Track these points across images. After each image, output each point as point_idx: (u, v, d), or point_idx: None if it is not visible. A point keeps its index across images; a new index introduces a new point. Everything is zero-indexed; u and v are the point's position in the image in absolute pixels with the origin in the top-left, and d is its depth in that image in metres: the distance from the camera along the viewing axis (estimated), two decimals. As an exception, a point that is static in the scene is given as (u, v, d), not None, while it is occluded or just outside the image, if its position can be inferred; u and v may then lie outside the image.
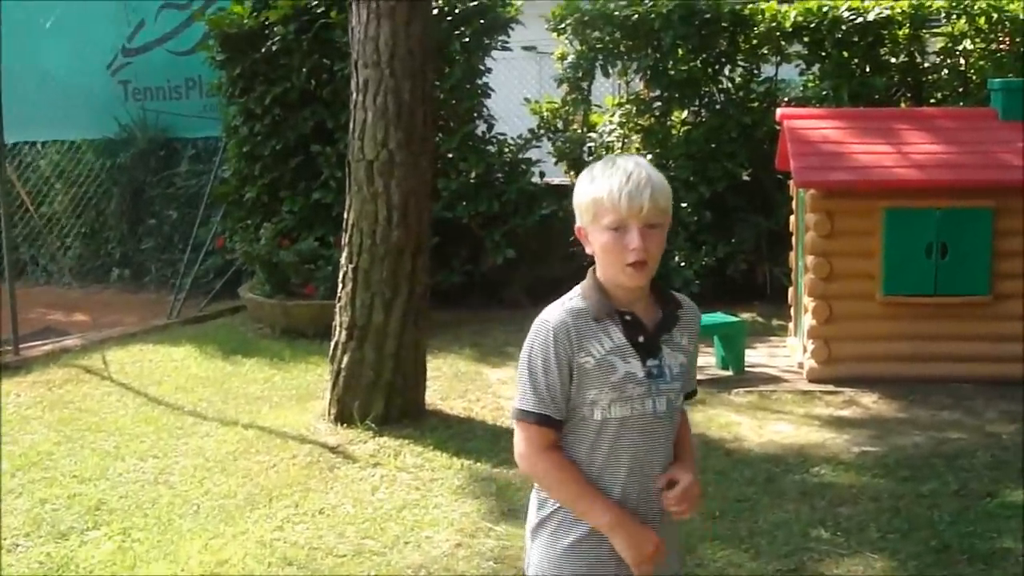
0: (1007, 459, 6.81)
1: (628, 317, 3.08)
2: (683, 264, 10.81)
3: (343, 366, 7.66)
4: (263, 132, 11.10)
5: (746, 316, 10.59)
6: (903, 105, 11.08)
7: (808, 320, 8.44)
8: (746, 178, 11.11)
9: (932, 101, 11.10)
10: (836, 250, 8.27)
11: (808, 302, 8.44)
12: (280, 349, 9.76)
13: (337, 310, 7.74)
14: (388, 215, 7.52)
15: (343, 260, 7.72)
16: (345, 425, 7.62)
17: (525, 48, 13.79)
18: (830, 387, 8.26)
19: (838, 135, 8.51)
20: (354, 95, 7.63)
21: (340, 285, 7.73)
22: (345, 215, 7.75)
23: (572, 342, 3.03)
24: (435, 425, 7.68)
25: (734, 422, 7.62)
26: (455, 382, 8.74)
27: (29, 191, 13.62)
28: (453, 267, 11.13)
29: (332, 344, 7.79)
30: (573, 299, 3.13)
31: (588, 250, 3.10)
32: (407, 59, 7.47)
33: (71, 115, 13.01)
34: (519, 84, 13.24)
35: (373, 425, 7.52)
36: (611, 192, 2.98)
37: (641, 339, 3.08)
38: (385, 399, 7.62)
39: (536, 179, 11.35)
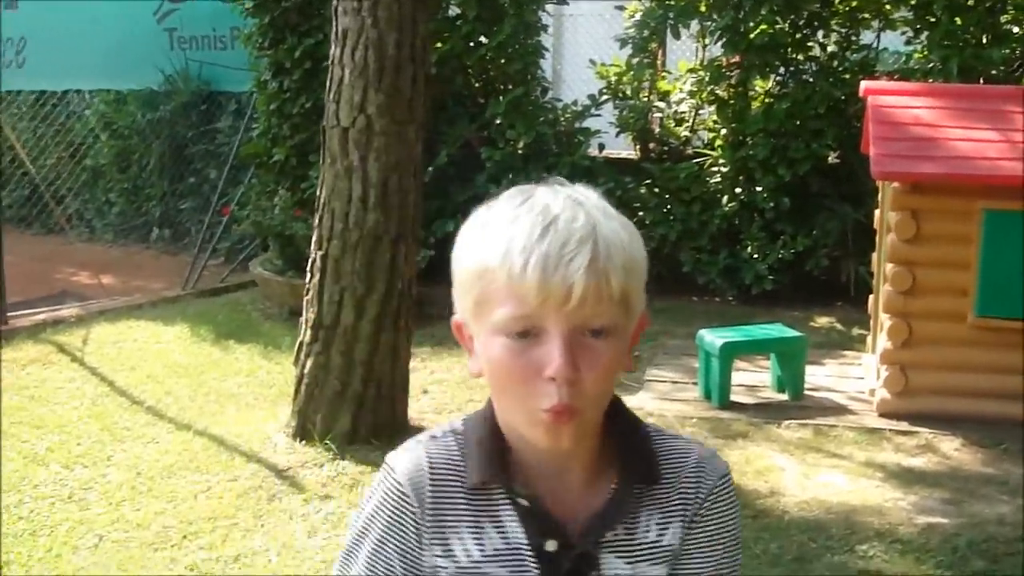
0: (1119, 549, 5.02)
1: (526, 503, 1.63)
2: (756, 257, 9.07)
3: (306, 371, 6.17)
4: (293, 88, 9.63)
5: (824, 321, 8.86)
6: (1025, 83, 9.14)
7: (883, 341, 6.67)
8: (833, 160, 9.28)
9: (1062, 80, 9.13)
10: (921, 258, 6.47)
11: (884, 319, 6.67)
12: (280, 335, 8.29)
13: (304, 304, 6.24)
14: (363, 194, 5.97)
15: (312, 246, 6.21)
16: (304, 442, 6.14)
17: (617, 7, 12.07)
18: (904, 425, 6.49)
19: (933, 116, 6.68)
20: (332, 47, 6.08)
21: (308, 275, 6.22)
22: (318, 192, 6.23)
23: (420, 525, 1.62)
24: (412, 448, 6.14)
25: (776, 467, 5.93)
26: (459, 391, 7.17)
27: (72, 142, 12.45)
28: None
29: (296, 345, 6.30)
30: (443, 440, 1.69)
31: (473, 368, 1.63)
32: (393, 6, 5.89)
33: (118, 63, 11.67)
34: (597, 46, 11.50)
35: (333, 446, 6.02)
36: (509, 256, 1.50)
37: (551, 546, 1.61)
38: (352, 414, 6.11)
39: (594, 151, 9.68)
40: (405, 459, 1.66)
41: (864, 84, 7.11)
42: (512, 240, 1.49)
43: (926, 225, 6.43)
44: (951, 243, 6.43)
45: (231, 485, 5.73)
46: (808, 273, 9.16)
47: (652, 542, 1.66)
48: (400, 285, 6.11)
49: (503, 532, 1.62)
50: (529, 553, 1.61)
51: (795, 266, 9.13)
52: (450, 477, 1.63)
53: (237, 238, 10.64)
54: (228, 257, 10.82)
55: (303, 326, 6.23)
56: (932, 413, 6.54)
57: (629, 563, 1.65)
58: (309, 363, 6.14)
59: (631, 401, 6.89)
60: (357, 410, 6.11)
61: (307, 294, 6.19)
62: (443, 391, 7.14)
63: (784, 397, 6.94)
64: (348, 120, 5.95)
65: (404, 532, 1.62)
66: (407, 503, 1.62)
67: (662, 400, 6.90)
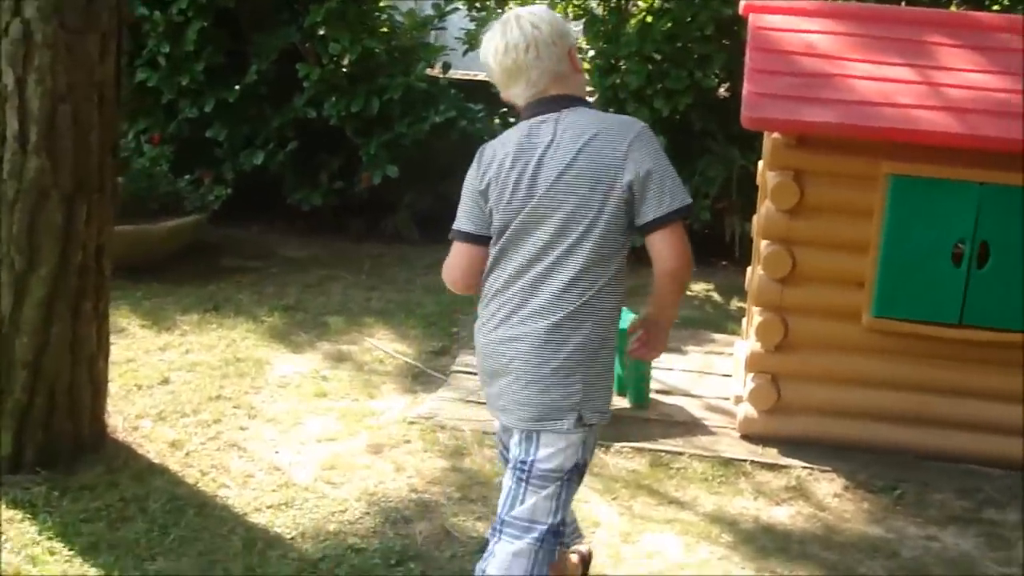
0: None
1: None
2: (626, 206, 7.19)
3: (-49, 376, 4.27)
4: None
5: (700, 288, 7.10)
6: (954, 9, 7.28)
7: (751, 343, 4.88)
8: (722, 93, 7.42)
9: (996, 8, 7.31)
10: (805, 236, 4.67)
11: (755, 314, 4.87)
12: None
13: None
14: (21, 132, 4.04)
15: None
16: (-50, 472, 4.27)
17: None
18: (772, 454, 4.74)
19: (831, 45, 4.83)
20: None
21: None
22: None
23: None
24: (99, 478, 4.27)
25: (590, 520, 4.13)
26: (211, 381, 5.28)
27: None
28: (320, 183, 7.63)
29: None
30: None
31: (580, 69, 2.98)
32: None
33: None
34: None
35: (-18, 480, 4.17)
36: None
37: None
38: (14, 433, 4.23)
39: (437, 72, 7.74)
40: None
41: (745, 0, 5.20)
42: None
43: (813, 192, 4.61)
44: (845, 217, 4.62)
45: None
46: (688, 227, 7.32)
47: None
48: (81, 257, 4.20)
49: None
50: None
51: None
52: None
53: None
54: None
55: (-49, 311, 4.31)
56: (810, 437, 4.79)
57: None
58: (-44, 364, 4.24)
59: (427, 405, 5.07)
60: (22, 427, 4.23)
61: (-46, 268, 4.27)
62: (192, 379, 5.27)
63: (624, 404, 5.14)
64: (-1, 27, 4.00)
65: None
66: None
67: (464, 404, 5.08)
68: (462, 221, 2.95)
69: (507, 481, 2.92)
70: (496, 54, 2.85)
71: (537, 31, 2.82)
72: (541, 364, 2.82)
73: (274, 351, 5.71)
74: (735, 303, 6.77)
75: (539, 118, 2.85)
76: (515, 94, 2.90)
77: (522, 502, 2.87)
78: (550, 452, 2.85)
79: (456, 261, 2.98)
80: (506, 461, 3.04)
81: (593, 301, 2.83)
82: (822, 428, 4.80)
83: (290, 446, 4.66)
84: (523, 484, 2.87)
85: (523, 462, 2.87)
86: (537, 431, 2.84)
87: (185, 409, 4.95)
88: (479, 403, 5.07)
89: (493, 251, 2.90)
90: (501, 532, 2.91)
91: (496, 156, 2.89)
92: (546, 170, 2.81)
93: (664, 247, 2.83)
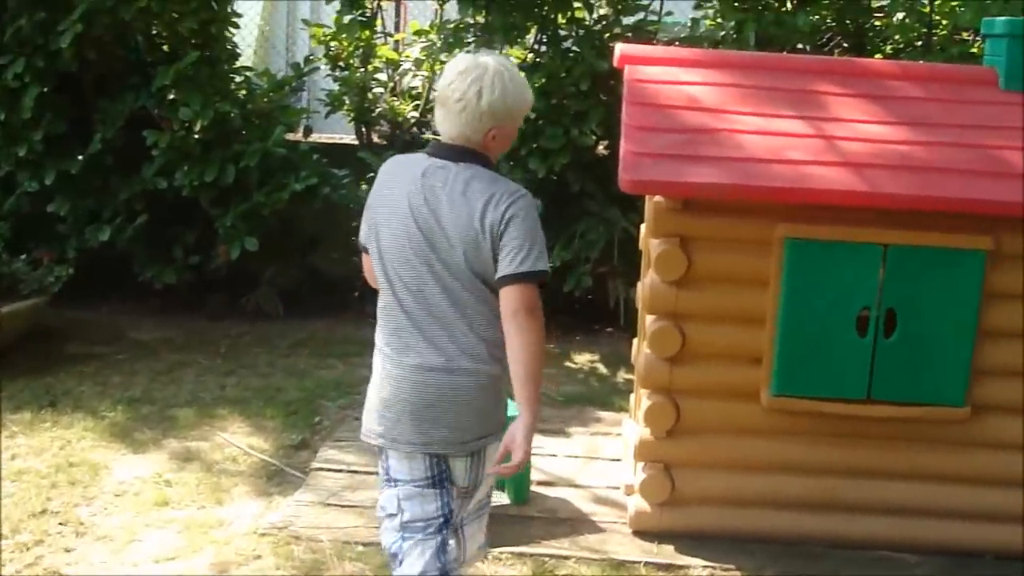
0: None
1: None
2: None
3: None
4: None
5: (584, 360, 6.57)
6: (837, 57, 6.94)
7: (639, 428, 4.34)
8: (601, 152, 6.95)
9: (879, 56, 6.99)
10: (694, 309, 4.14)
11: (643, 396, 4.32)
12: None
13: None
14: None
15: None
16: None
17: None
18: (668, 552, 4.18)
19: (714, 98, 4.34)
20: None
21: None
22: None
23: None
24: None
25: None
26: (34, 490, 4.54)
27: None
28: (174, 259, 6.94)
29: None
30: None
31: (498, 148, 2.95)
32: None
33: None
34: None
35: None
36: None
37: None
38: None
39: (299, 136, 7.14)
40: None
41: (620, 49, 4.70)
42: None
43: (701, 260, 4.09)
44: (739, 287, 4.11)
45: None
46: (569, 295, 6.81)
47: None
48: None
49: None
50: None
51: (550, 286, 6.75)
52: None
53: None
54: None
55: None
56: (709, 531, 4.24)
57: None
58: None
59: (281, 512, 4.41)
60: None
61: None
62: (15, 491, 4.53)
63: (504, 500, 4.55)
64: None
65: None
66: None
67: (324, 508, 4.43)
68: (361, 232, 3.02)
69: (439, 498, 3.00)
70: (445, 80, 2.87)
71: (479, 97, 2.80)
72: (475, 404, 2.91)
73: (113, 452, 4.99)
74: (622, 375, 6.24)
75: (439, 161, 2.88)
76: (435, 118, 2.97)
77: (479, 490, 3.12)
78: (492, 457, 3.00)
79: (365, 268, 3.12)
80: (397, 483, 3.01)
81: (492, 337, 2.87)
82: (722, 520, 4.25)
83: (122, 569, 3.97)
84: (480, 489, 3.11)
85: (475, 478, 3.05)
86: (483, 449, 3.00)
87: (2, 530, 4.23)
88: (340, 506, 4.45)
89: (384, 280, 2.93)
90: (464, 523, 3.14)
91: (395, 178, 2.93)
92: (432, 216, 2.84)
93: (511, 294, 2.81)
